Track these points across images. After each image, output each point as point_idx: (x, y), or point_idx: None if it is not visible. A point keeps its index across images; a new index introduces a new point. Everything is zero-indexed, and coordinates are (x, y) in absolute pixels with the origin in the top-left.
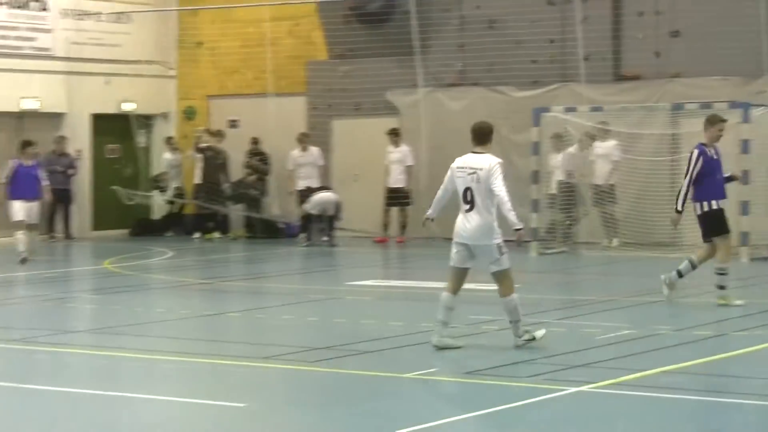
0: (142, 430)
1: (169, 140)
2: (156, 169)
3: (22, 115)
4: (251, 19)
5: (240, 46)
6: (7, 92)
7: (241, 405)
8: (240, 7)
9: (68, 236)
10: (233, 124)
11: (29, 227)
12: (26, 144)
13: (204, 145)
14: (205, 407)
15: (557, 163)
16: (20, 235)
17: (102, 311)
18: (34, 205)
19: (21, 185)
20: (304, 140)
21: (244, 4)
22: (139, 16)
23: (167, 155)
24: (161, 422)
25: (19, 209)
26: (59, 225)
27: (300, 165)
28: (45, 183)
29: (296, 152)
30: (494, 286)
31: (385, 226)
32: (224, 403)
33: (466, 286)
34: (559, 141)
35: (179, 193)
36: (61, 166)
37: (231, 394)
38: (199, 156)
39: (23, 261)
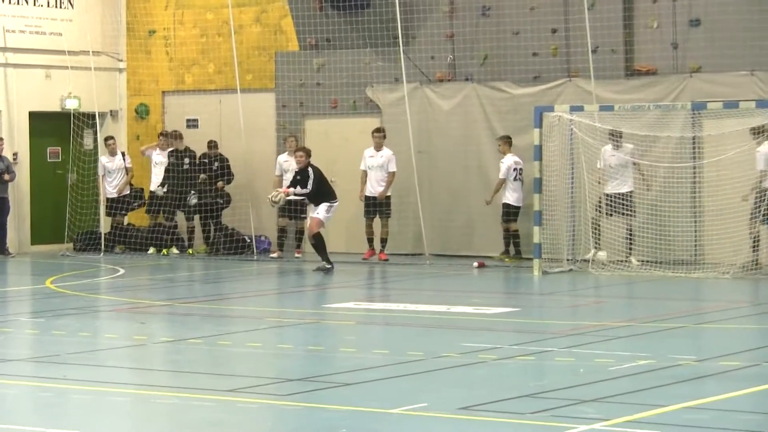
0: None
1: (107, 141)
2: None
3: None
4: (211, 5)
5: (199, 36)
6: None
7: None
8: None
9: (3, 251)
10: (192, 123)
11: None
12: None
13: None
14: None
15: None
16: None
17: (44, 337)
18: None
19: None
20: (293, 144)
21: None
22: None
23: (104, 159)
24: None
25: None
26: None
27: (287, 171)
28: None
29: (283, 157)
30: (490, 309)
31: (370, 240)
32: None
33: (457, 309)
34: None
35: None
36: None
37: None
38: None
39: None
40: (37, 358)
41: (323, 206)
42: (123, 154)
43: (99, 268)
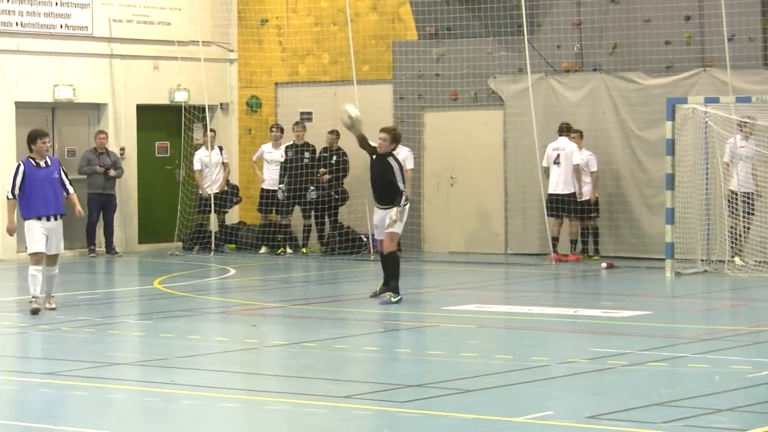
0: None
1: (206, 133)
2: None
3: (53, 107)
4: None
5: (313, 24)
6: (37, 79)
7: None
8: None
9: (110, 250)
10: (306, 116)
11: (49, 259)
12: (37, 135)
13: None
14: None
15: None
16: (34, 272)
17: (151, 340)
18: (57, 226)
19: (35, 196)
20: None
21: None
22: None
23: (201, 152)
24: None
25: (39, 235)
26: (100, 237)
27: None
28: (71, 191)
29: None
30: (619, 313)
31: (554, 240)
32: None
33: (585, 312)
34: None
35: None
36: (102, 166)
37: None
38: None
39: (35, 311)
40: (145, 361)
41: (393, 212)
42: (220, 148)
43: (209, 268)
